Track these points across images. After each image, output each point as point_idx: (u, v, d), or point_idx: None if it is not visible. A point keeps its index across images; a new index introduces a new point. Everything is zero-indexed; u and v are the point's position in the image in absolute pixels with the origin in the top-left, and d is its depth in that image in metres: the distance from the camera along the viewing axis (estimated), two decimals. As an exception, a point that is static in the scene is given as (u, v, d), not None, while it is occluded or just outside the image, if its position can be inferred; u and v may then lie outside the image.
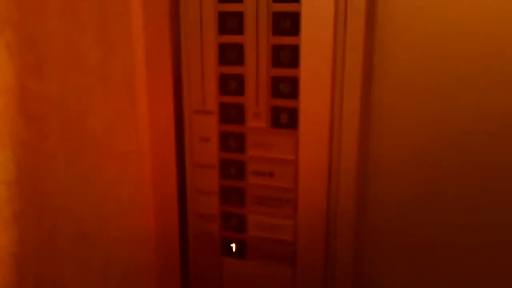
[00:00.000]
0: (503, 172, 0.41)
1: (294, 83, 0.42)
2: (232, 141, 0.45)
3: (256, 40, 0.42)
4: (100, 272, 0.39)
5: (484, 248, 0.42)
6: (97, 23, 0.34)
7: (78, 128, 0.34)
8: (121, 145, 0.37)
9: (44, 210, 0.33)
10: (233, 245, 0.48)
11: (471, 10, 0.38)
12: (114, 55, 0.35)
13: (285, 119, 0.43)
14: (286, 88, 0.42)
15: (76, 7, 0.32)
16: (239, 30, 0.42)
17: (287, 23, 0.41)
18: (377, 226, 0.45)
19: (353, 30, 0.40)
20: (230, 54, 0.43)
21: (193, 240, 0.49)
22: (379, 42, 0.41)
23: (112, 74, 0.35)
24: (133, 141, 0.38)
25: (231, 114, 0.44)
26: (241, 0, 0.42)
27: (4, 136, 0.30)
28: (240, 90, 0.44)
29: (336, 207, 0.44)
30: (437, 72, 0.40)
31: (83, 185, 0.35)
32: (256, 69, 0.43)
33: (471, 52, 0.39)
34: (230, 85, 0.44)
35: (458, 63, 0.40)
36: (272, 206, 0.46)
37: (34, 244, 0.33)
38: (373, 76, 0.42)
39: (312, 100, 0.42)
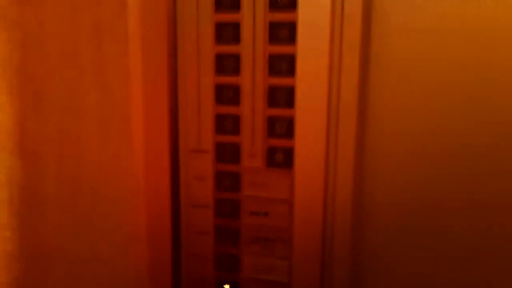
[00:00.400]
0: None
1: (289, 123, 0.42)
2: (227, 181, 0.45)
3: (253, 83, 0.42)
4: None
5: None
6: (96, 64, 0.34)
7: (74, 169, 0.34)
8: (116, 186, 0.37)
9: (37, 252, 0.33)
10: (227, 286, 0.47)
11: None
12: (112, 96, 0.35)
13: (281, 159, 0.43)
14: (282, 127, 0.43)
15: (76, 49, 0.32)
16: (236, 71, 0.43)
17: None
18: (375, 257, 0.44)
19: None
20: (227, 94, 0.43)
21: (187, 281, 0.48)
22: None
23: (110, 116, 0.35)
24: (129, 183, 0.38)
25: (227, 153, 0.44)
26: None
27: (0, 176, 0.30)
28: (236, 129, 0.44)
29: (332, 248, 0.43)
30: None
31: (78, 227, 0.34)
32: (252, 109, 0.43)
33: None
34: (226, 124, 0.44)
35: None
36: (267, 246, 0.45)
37: (26, 287, 0.32)
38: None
39: (308, 139, 0.42)
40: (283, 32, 0.41)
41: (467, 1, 0.39)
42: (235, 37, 0.42)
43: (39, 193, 0.32)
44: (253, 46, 0.42)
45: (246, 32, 0.42)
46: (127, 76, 0.36)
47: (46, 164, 0.32)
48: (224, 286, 0.47)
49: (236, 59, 0.42)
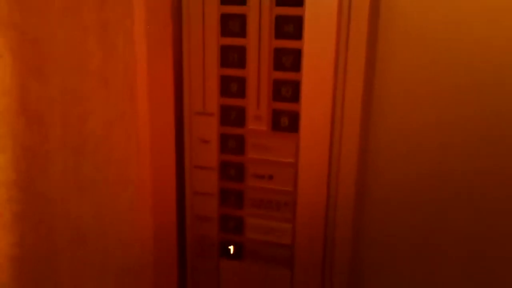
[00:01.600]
0: (506, 171, 0.41)
1: (295, 86, 0.42)
2: (232, 143, 0.45)
3: (259, 43, 0.42)
4: (98, 274, 0.39)
5: (486, 247, 0.42)
6: (99, 25, 0.33)
7: (78, 130, 0.34)
8: (121, 147, 0.37)
9: (42, 213, 0.33)
10: (231, 247, 0.47)
11: (474, 9, 0.38)
12: (115, 57, 0.35)
13: (286, 122, 0.43)
14: (288, 91, 0.42)
15: (78, 9, 0.32)
16: (242, 33, 0.42)
17: (290, 26, 0.41)
18: (376, 229, 0.45)
19: (356, 33, 0.39)
20: (232, 57, 0.43)
21: (191, 242, 0.48)
22: (382, 45, 0.41)
23: (113, 76, 0.35)
24: (133, 144, 0.38)
25: (232, 116, 0.44)
26: (244, 3, 0.41)
27: (5, 137, 0.30)
28: (241, 92, 0.43)
29: (335, 212, 0.44)
30: (439, 74, 0.40)
31: (82, 188, 0.35)
32: (258, 72, 0.42)
33: (474, 52, 0.39)
34: (231, 87, 0.44)
35: (460, 64, 0.39)
36: (270, 209, 0.46)
37: (31, 247, 0.33)
38: (375, 79, 0.42)
39: (314, 104, 0.42)
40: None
41: (475, 5, 0.38)
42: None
43: (44, 154, 0.32)
44: (259, 7, 0.41)
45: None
46: (131, 37, 0.36)
47: (50, 124, 0.32)
48: (229, 247, 0.47)
49: (242, 19, 0.42)
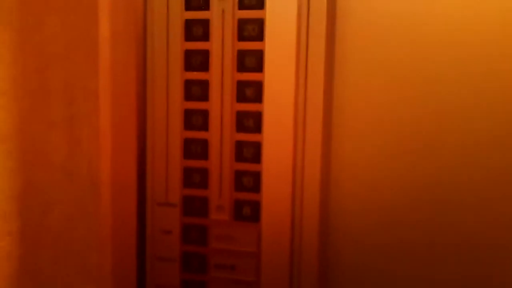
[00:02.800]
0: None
1: (256, 177, 0.43)
2: (194, 234, 0.45)
3: (221, 136, 0.43)
4: None
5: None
6: (66, 120, 0.34)
7: (39, 225, 0.33)
8: (81, 240, 0.37)
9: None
10: None
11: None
12: (80, 151, 0.36)
13: (248, 212, 0.44)
14: (249, 181, 0.43)
15: (47, 105, 0.33)
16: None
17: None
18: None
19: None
20: (195, 148, 0.44)
21: (151, 337, 0.47)
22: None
23: (77, 170, 0.36)
24: (94, 236, 0.38)
25: (195, 206, 0.45)
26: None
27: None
28: (204, 183, 0.44)
29: (298, 302, 0.43)
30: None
31: (40, 285, 0.34)
32: (220, 162, 0.44)
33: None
34: (194, 178, 0.44)
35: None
36: (233, 301, 0.45)
37: None
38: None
39: (274, 194, 0.43)
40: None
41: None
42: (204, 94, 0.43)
43: (2, 250, 0.31)
44: (221, 102, 0.43)
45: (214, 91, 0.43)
46: (96, 131, 0.37)
47: (10, 220, 0.32)
48: None
49: (205, 114, 0.44)
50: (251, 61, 0.43)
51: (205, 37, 0.43)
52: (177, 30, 0.43)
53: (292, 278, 0.43)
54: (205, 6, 0.43)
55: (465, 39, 0.40)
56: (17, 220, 0.33)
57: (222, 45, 0.43)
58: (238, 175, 0.44)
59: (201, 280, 0.45)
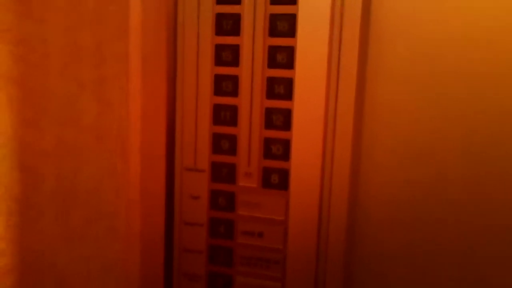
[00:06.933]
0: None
1: (286, 144, 0.43)
2: (222, 200, 0.45)
3: (251, 102, 0.43)
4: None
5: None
6: (96, 81, 0.34)
7: (70, 183, 0.34)
8: (111, 201, 0.37)
9: (30, 266, 0.33)
10: (219, 307, 0.47)
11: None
12: (110, 112, 0.36)
13: (276, 180, 0.44)
14: (278, 149, 0.43)
15: (77, 66, 0.33)
16: (234, 93, 0.43)
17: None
18: (369, 280, 0.44)
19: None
20: (224, 115, 0.44)
21: (178, 300, 0.48)
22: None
23: (107, 131, 0.36)
24: (123, 199, 0.38)
25: (223, 173, 0.45)
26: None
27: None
28: (232, 149, 0.44)
29: (325, 271, 0.43)
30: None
31: (71, 241, 0.35)
32: (249, 130, 0.43)
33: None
34: (223, 144, 0.44)
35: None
36: (260, 267, 0.45)
37: (16, 302, 0.32)
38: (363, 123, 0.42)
39: (303, 161, 0.42)
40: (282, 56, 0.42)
41: (465, 5, 0.39)
42: (235, 60, 0.43)
43: (35, 206, 0.32)
44: (252, 68, 0.43)
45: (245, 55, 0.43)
46: (126, 93, 0.37)
47: (43, 177, 0.32)
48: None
49: (234, 80, 0.43)
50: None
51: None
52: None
53: (319, 246, 0.43)
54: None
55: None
56: (51, 178, 0.33)
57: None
58: (267, 143, 0.43)
59: (228, 246, 0.46)
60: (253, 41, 0.42)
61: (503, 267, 0.41)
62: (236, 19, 0.42)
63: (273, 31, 0.42)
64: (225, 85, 0.43)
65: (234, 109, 0.43)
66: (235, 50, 0.43)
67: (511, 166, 0.40)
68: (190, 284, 0.47)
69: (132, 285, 0.40)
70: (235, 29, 0.42)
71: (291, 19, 0.41)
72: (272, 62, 0.42)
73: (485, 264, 0.42)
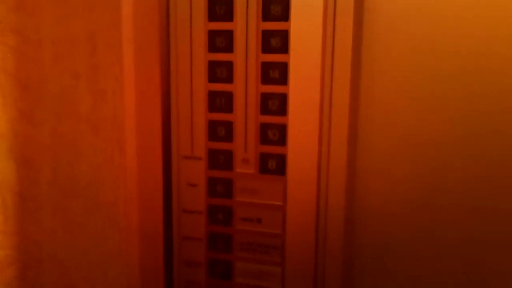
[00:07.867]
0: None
1: (282, 129, 0.43)
2: (220, 187, 0.45)
3: (245, 89, 0.43)
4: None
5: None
6: (90, 70, 0.34)
7: (67, 174, 0.34)
8: (108, 191, 0.37)
9: (30, 257, 0.33)
10: (220, 293, 0.47)
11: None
12: (105, 102, 0.35)
13: (273, 165, 0.44)
14: (275, 135, 0.43)
15: (70, 56, 0.33)
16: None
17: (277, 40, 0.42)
18: (368, 264, 0.44)
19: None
20: (220, 102, 0.44)
21: (179, 287, 0.48)
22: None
23: (103, 121, 0.36)
24: (121, 188, 0.38)
25: (220, 160, 0.45)
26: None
27: (-7, 182, 0.30)
28: (228, 136, 0.44)
29: (324, 255, 0.43)
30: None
31: (70, 231, 0.34)
32: (245, 116, 0.43)
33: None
34: (219, 131, 0.44)
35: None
36: (259, 253, 0.45)
37: (17, 293, 0.32)
38: (359, 108, 0.42)
39: (300, 146, 0.42)
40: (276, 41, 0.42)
41: (459, 3, 0.39)
42: (228, 46, 0.43)
43: (33, 198, 0.32)
44: (246, 54, 0.42)
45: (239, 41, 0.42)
46: (121, 82, 0.36)
47: (40, 168, 0.32)
48: (217, 293, 0.47)
49: (229, 66, 0.43)
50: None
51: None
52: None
53: (318, 230, 0.43)
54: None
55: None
56: (47, 170, 0.33)
57: (246, 26, 0.42)
58: (263, 128, 0.43)
59: (227, 232, 0.46)
60: (246, 26, 0.42)
61: (503, 258, 0.42)
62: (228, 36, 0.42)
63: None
64: (220, 72, 0.43)
65: (229, 96, 0.43)
66: (229, 35, 0.42)
67: (507, 164, 0.40)
68: (190, 272, 0.47)
69: (133, 273, 0.40)
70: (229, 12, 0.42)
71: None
72: (267, 48, 0.42)
73: (485, 258, 0.42)
